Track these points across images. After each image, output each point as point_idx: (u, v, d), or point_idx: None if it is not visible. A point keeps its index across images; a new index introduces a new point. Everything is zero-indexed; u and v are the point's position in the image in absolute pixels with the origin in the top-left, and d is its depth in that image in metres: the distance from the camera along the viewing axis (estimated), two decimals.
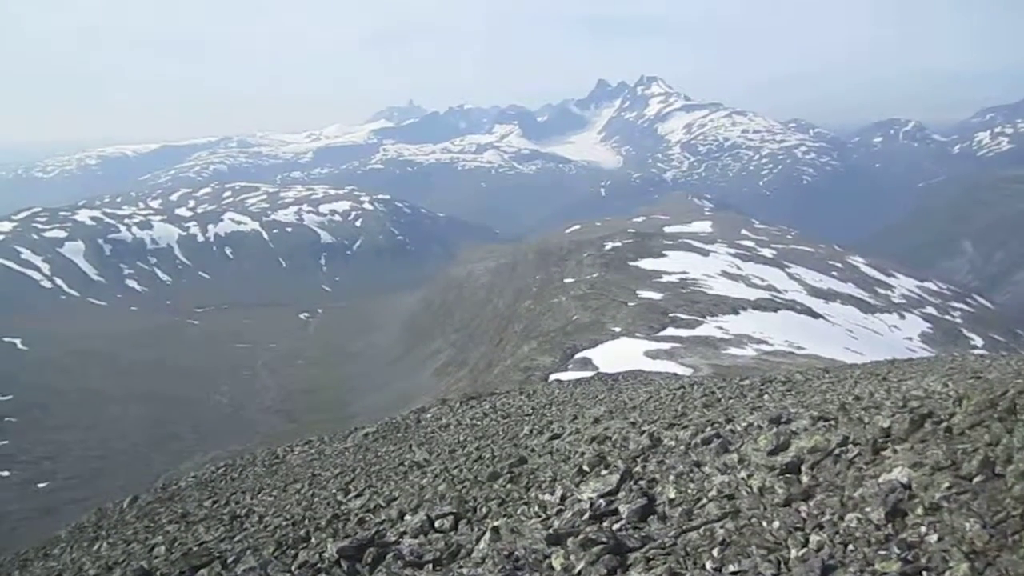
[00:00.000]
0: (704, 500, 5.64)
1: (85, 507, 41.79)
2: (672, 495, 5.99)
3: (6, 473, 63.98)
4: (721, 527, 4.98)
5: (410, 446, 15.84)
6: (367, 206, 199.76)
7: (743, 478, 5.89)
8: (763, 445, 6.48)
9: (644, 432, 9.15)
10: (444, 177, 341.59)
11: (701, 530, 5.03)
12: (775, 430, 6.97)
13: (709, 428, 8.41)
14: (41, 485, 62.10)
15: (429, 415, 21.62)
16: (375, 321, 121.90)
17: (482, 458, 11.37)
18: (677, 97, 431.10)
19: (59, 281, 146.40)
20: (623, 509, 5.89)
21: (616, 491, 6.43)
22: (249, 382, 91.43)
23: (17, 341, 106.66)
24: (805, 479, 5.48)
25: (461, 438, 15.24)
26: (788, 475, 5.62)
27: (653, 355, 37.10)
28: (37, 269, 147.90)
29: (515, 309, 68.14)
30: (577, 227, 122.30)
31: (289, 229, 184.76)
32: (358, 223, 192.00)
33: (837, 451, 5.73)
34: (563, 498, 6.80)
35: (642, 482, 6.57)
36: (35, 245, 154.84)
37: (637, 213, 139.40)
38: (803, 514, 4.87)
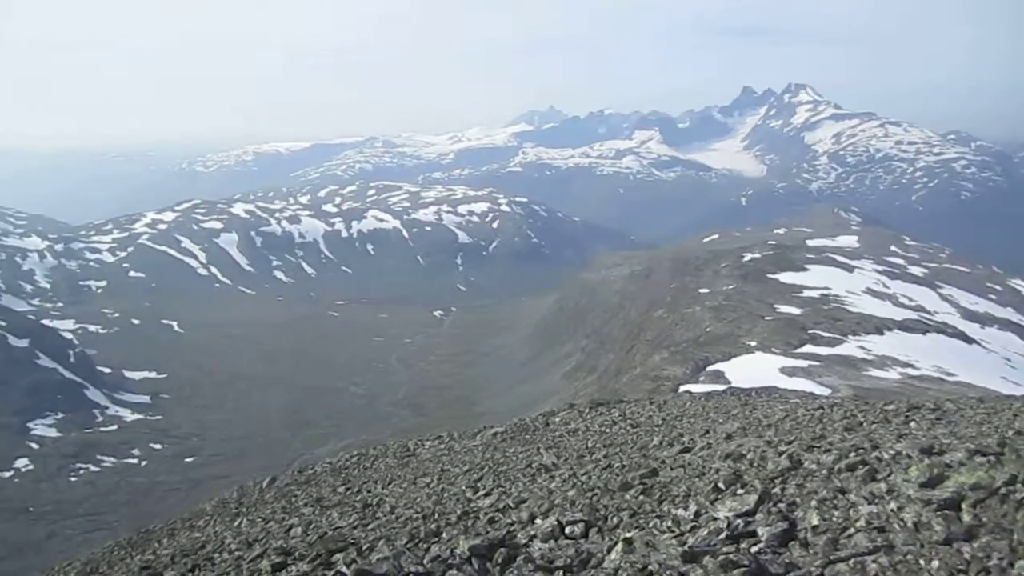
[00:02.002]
0: (851, 530, 5.36)
1: (228, 483, 44.10)
2: (815, 521, 5.72)
3: (158, 446, 68.40)
4: (873, 561, 4.71)
5: (538, 449, 15.86)
6: (504, 208, 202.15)
7: (893, 510, 5.56)
8: (914, 476, 6.11)
9: (783, 453, 8.81)
10: (582, 181, 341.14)
11: (851, 562, 4.78)
12: (927, 461, 6.56)
13: (853, 453, 8.00)
14: (188, 460, 66.02)
15: (558, 419, 21.59)
16: (507, 322, 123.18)
17: (611, 466, 11.24)
18: (827, 105, 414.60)
19: (214, 269, 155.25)
20: (762, 532, 5.67)
21: (754, 512, 6.21)
22: (383, 375, 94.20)
23: (174, 324, 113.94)
24: (967, 518, 5.11)
25: (589, 444, 15.13)
26: (947, 511, 5.27)
27: (789, 372, 35.82)
28: (195, 257, 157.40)
29: (647, 317, 67.29)
30: (715, 236, 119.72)
31: (428, 228, 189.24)
32: (495, 225, 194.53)
33: (1004, 490, 5.33)
34: (697, 515, 6.62)
35: (781, 505, 6.32)
36: (194, 235, 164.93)
37: (779, 224, 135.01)
38: (966, 556, 4.54)
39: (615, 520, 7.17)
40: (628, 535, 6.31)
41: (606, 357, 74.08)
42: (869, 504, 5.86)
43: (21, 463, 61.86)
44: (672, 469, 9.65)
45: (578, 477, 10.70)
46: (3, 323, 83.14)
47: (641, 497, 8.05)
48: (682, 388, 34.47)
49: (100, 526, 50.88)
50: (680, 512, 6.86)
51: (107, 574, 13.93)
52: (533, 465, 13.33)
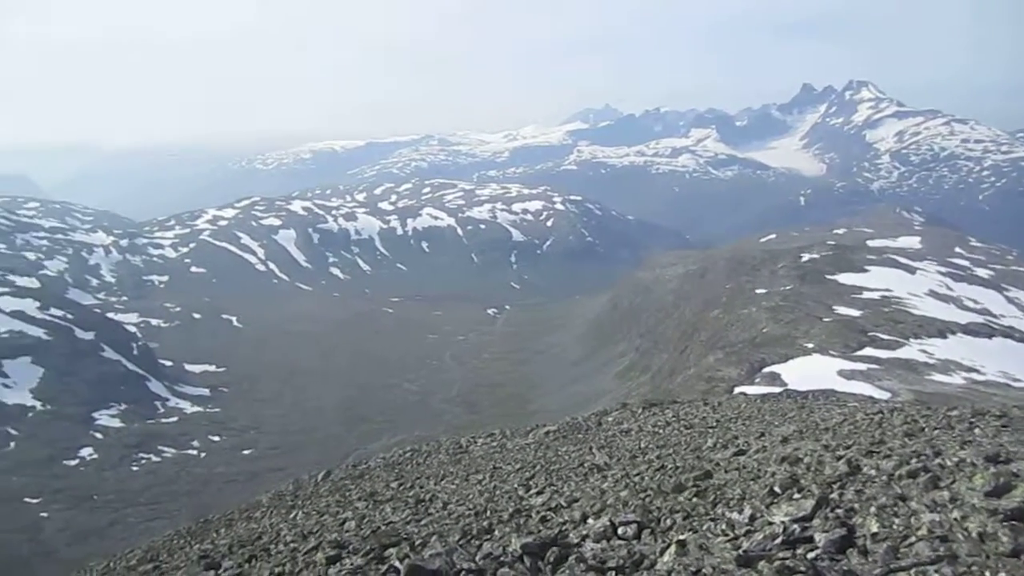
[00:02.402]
0: (912, 538, 5.23)
1: (283, 476, 44.85)
2: (874, 528, 5.59)
3: (217, 438, 69.82)
4: (936, 571, 4.59)
5: (590, 448, 15.81)
6: (559, 206, 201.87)
7: (957, 519, 5.42)
8: (979, 485, 5.94)
9: (841, 457, 8.65)
10: (637, 180, 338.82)
11: (912, 571, 4.66)
12: (993, 470, 6.38)
13: (915, 460, 7.81)
14: (246, 452, 67.26)
15: (611, 419, 21.50)
16: (561, 321, 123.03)
17: (664, 467, 11.15)
18: (889, 103, 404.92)
19: (272, 265, 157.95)
20: (819, 538, 5.57)
21: (811, 517, 6.10)
22: (436, 372, 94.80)
23: (234, 319, 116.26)
24: None
25: (642, 445, 15.03)
26: (1014, 522, 5.11)
27: (848, 375, 35.15)
28: (254, 253, 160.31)
29: (702, 317, 66.60)
30: (772, 236, 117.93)
31: (483, 226, 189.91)
32: (549, 223, 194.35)
33: None
34: (752, 518, 6.53)
35: (839, 511, 6.20)
36: (253, 231, 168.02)
37: (838, 224, 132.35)
38: None
39: (668, 522, 7.11)
40: (681, 537, 6.26)
41: (659, 357, 73.52)
42: (931, 512, 5.72)
43: (86, 452, 63.69)
44: (726, 472, 9.54)
45: (631, 478, 10.64)
46: (70, 316, 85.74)
47: (695, 499, 7.98)
48: (737, 390, 34.08)
49: (160, 515, 52.12)
50: (734, 515, 6.78)
51: (167, 562, 14.26)
52: (585, 464, 13.30)
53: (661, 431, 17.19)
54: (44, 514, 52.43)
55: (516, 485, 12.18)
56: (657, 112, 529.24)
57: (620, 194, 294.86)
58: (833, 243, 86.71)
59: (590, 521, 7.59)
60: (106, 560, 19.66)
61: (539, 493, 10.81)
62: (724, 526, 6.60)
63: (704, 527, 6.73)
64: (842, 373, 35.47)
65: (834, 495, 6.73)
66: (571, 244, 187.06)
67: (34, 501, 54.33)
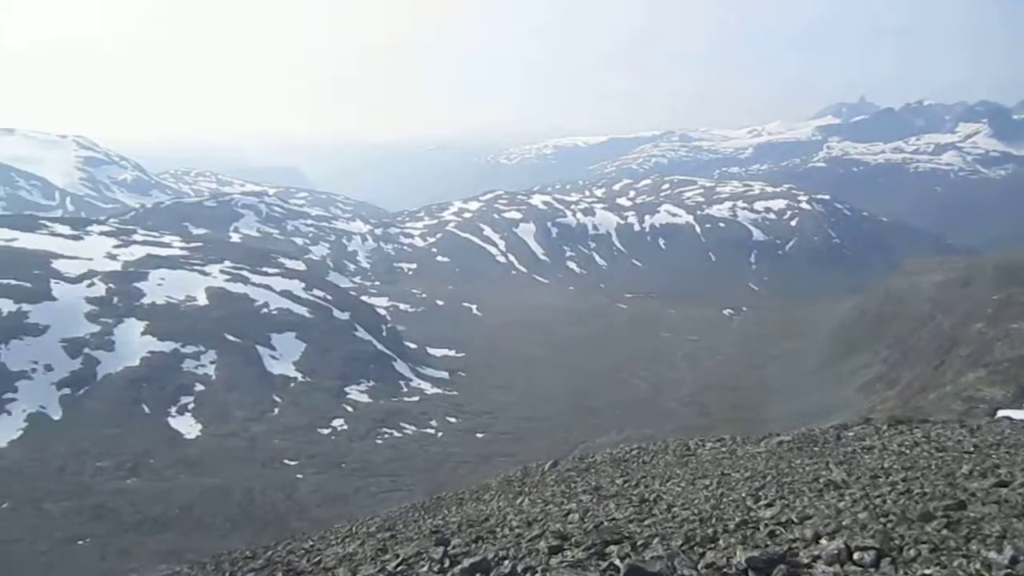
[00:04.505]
0: None
1: (512, 462, 46.23)
2: None
3: (453, 420, 73.33)
4: None
5: (827, 463, 14.92)
6: (804, 206, 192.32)
7: None
8: None
9: None
10: (892, 179, 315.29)
11: None
12: None
13: None
14: (479, 435, 70.09)
15: (851, 433, 20.19)
16: (801, 326, 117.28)
17: (910, 492, 10.30)
18: None
19: (511, 257, 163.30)
20: None
21: None
22: (667, 371, 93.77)
23: (473, 307, 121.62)
24: None
25: (885, 465, 13.98)
26: None
27: None
28: (495, 245, 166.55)
29: (963, 331, 60.97)
30: None
31: (722, 224, 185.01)
32: (793, 223, 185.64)
33: None
34: (1014, 561, 5.87)
35: None
36: (495, 224, 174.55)
37: None
38: None
39: (912, 552, 6.56)
40: (927, 572, 5.76)
41: (910, 371, 68.22)
42: None
43: (337, 423, 69.29)
44: (984, 504, 8.65)
45: (871, 499, 9.92)
46: (329, 297, 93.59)
47: (944, 531, 7.30)
48: (1000, 412, 30.88)
49: (399, 487, 55.60)
50: (992, 555, 6.13)
51: (402, 532, 15.14)
52: (820, 480, 12.57)
53: (908, 452, 15.89)
54: (299, 476, 57.74)
55: (744, 494, 11.75)
56: (919, 105, 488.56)
57: (873, 194, 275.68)
58: None
59: (823, 541, 7.16)
60: (350, 524, 21.18)
61: (769, 505, 10.35)
62: (979, 565, 5.99)
63: (955, 563, 6.15)
64: None
65: None
66: (816, 245, 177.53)
67: (292, 463, 60.00)
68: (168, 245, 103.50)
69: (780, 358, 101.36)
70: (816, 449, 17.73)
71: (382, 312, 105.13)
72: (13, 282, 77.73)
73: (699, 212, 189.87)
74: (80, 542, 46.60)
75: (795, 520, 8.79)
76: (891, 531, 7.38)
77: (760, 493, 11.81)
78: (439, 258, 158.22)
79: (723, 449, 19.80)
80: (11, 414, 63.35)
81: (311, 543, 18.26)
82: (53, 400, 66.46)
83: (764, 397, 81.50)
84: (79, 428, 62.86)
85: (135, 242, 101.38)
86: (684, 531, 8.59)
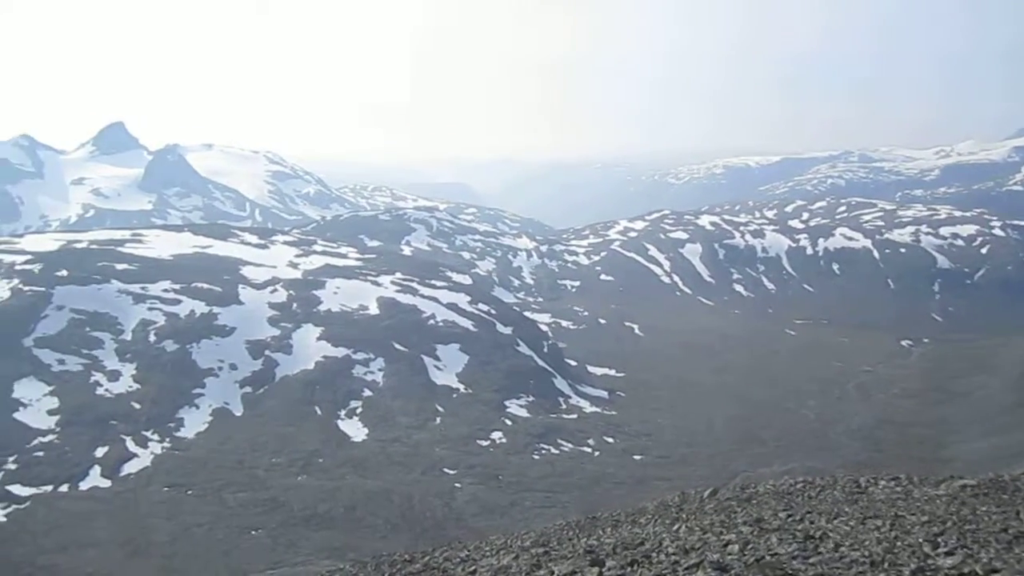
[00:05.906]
0: None
1: (670, 487, 45.40)
2: None
3: (611, 440, 72.75)
4: None
5: (1018, 513, 13.73)
6: (998, 232, 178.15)
7: None
8: None
9: None
10: None
11: None
12: None
13: None
14: (636, 457, 69.19)
15: None
16: (990, 361, 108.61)
17: None
18: None
19: (676, 278, 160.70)
20: None
21: None
22: (838, 402, 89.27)
23: (635, 327, 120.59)
24: None
25: None
26: None
27: None
28: (660, 265, 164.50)
29: None
30: None
31: (903, 250, 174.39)
32: (984, 250, 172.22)
33: None
34: None
35: None
36: (660, 243, 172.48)
37: None
38: None
39: None
40: None
41: None
42: None
43: (496, 435, 70.29)
44: None
45: None
46: (493, 312, 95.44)
47: None
48: None
49: (554, 504, 55.71)
50: None
51: (556, 550, 15.15)
52: (1010, 531, 11.57)
53: None
54: (457, 484, 59.01)
55: (921, 539, 10.97)
56: None
57: None
58: None
59: None
60: (505, 536, 21.41)
61: (949, 554, 9.63)
62: None
63: None
64: None
65: None
66: (1009, 275, 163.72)
67: (451, 472, 61.41)
68: (344, 256, 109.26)
69: (964, 395, 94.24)
70: (1005, 497, 16.37)
71: (544, 328, 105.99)
72: (206, 286, 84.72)
73: (878, 236, 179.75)
74: (253, 532, 49.69)
75: (980, 572, 8.13)
76: None
77: (939, 540, 11.00)
78: (603, 276, 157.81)
79: (898, 489, 18.65)
80: (199, 408, 68.81)
81: (467, 552, 18.59)
82: (236, 397, 71.61)
83: (945, 436, 75.93)
84: (257, 424, 67.28)
85: (315, 252, 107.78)
86: (853, 573, 8.12)
